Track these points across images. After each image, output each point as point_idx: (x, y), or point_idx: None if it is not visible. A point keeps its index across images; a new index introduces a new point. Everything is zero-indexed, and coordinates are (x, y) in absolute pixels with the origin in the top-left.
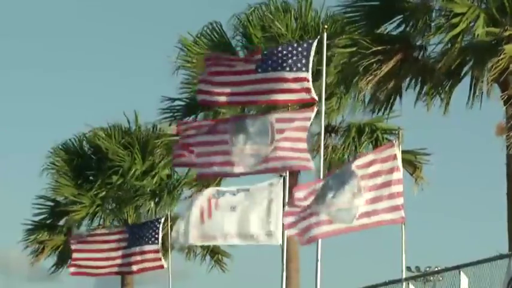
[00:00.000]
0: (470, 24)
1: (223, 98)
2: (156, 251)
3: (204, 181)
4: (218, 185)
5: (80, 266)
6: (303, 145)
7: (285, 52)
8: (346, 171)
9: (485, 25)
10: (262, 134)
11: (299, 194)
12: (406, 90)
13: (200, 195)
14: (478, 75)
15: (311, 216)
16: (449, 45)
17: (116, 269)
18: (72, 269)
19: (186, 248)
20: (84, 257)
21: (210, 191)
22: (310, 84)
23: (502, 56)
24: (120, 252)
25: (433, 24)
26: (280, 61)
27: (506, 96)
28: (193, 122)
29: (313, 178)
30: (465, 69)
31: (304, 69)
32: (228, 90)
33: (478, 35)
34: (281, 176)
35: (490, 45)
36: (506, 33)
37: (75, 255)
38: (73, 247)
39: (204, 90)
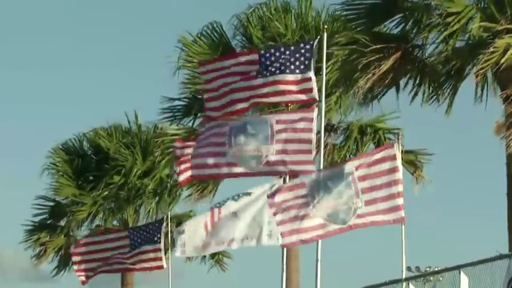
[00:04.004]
0: (467, 23)
1: (229, 109)
2: (157, 250)
3: (203, 182)
4: (216, 185)
5: (85, 271)
6: (306, 147)
7: (285, 55)
8: (340, 171)
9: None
10: (263, 135)
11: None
12: (403, 88)
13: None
14: (471, 71)
15: (304, 218)
16: (444, 43)
17: (116, 267)
18: (82, 279)
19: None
20: (85, 259)
21: (210, 205)
22: (312, 84)
23: (492, 49)
24: (121, 252)
25: (428, 22)
26: (280, 64)
27: (505, 95)
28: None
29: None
30: (468, 68)
31: (306, 70)
32: (232, 99)
33: (472, 32)
34: (281, 177)
35: (483, 40)
36: (500, 28)
37: (75, 258)
38: (73, 250)
39: (210, 107)
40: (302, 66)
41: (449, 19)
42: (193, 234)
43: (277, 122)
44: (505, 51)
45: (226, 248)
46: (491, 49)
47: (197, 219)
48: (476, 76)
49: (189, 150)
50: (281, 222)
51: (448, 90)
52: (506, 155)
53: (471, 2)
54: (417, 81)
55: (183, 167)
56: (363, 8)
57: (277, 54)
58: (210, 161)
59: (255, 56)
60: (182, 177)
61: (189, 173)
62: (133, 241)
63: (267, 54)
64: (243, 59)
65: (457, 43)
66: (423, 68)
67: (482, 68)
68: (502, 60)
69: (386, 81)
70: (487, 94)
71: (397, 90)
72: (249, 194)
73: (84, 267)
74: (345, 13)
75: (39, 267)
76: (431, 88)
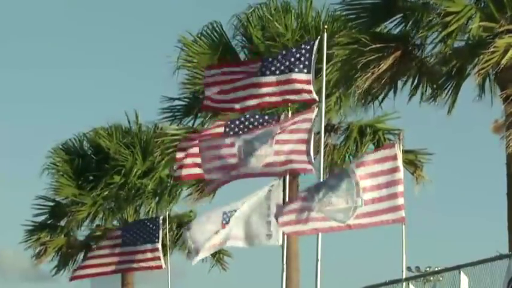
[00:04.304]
0: (466, 23)
1: (226, 106)
2: (156, 250)
3: (202, 182)
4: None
5: (80, 269)
6: (304, 147)
7: (285, 55)
8: (341, 171)
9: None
10: (264, 138)
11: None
12: (402, 88)
13: (210, 216)
14: (471, 71)
15: (305, 211)
16: (442, 43)
17: (115, 268)
18: (72, 274)
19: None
20: (88, 263)
21: (218, 214)
22: (311, 86)
23: (492, 49)
24: (119, 252)
25: (426, 22)
26: (280, 64)
27: (505, 95)
28: (196, 135)
29: (313, 179)
30: (468, 68)
31: (305, 70)
32: (230, 97)
33: (472, 32)
34: (281, 177)
35: (483, 40)
36: (500, 29)
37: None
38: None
39: (208, 105)
40: (302, 67)
41: (448, 19)
42: (206, 243)
43: (278, 125)
44: (506, 51)
45: (227, 246)
46: (492, 49)
47: (207, 230)
48: (478, 76)
49: (191, 150)
50: (281, 218)
51: (449, 90)
52: (506, 155)
53: (471, 1)
54: (416, 81)
55: (182, 164)
56: (362, 7)
57: (278, 56)
58: (221, 172)
59: (257, 64)
60: (181, 173)
61: (188, 172)
62: (126, 237)
63: (268, 58)
64: (245, 66)
65: (457, 43)
66: (422, 67)
67: (483, 68)
68: (503, 61)
69: (386, 81)
70: (491, 94)
71: (395, 91)
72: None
73: (82, 273)
74: (344, 13)
75: (39, 267)
76: (430, 88)
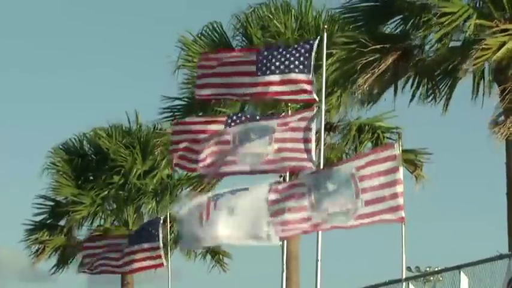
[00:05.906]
0: (463, 23)
1: (221, 96)
2: (156, 249)
3: (203, 180)
4: (214, 185)
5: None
6: (305, 146)
7: (285, 53)
8: (340, 171)
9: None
10: (263, 135)
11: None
12: (402, 88)
13: (198, 199)
14: (466, 69)
15: (302, 217)
16: (439, 43)
17: (116, 268)
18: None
19: (192, 251)
20: (91, 254)
21: (207, 194)
22: (311, 86)
23: (483, 46)
24: (120, 252)
25: (423, 22)
26: (280, 63)
27: (501, 91)
28: (188, 122)
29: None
30: (464, 67)
31: (306, 70)
32: (226, 91)
33: (469, 32)
34: (281, 176)
35: (476, 39)
36: (496, 28)
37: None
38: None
39: (201, 85)
40: (301, 67)
41: (444, 19)
42: (190, 226)
43: (278, 124)
44: (498, 49)
45: (224, 243)
46: (483, 46)
47: (193, 211)
48: (468, 72)
49: (185, 143)
50: (276, 216)
51: (445, 89)
52: (506, 155)
53: (467, 1)
54: (416, 81)
55: (177, 155)
56: (362, 11)
57: (277, 53)
58: (218, 160)
59: (253, 56)
60: (176, 162)
61: (185, 162)
62: (131, 238)
63: (266, 53)
64: (242, 58)
65: (454, 43)
66: (421, 67)
67: (474, 65)
68: (494, 57)
69: (386, 81)
70: (489, 91)
71: (395, 90)
72: (246, 189)
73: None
74: (344, 16)
75: (38, 266)
76: (428, 87)
